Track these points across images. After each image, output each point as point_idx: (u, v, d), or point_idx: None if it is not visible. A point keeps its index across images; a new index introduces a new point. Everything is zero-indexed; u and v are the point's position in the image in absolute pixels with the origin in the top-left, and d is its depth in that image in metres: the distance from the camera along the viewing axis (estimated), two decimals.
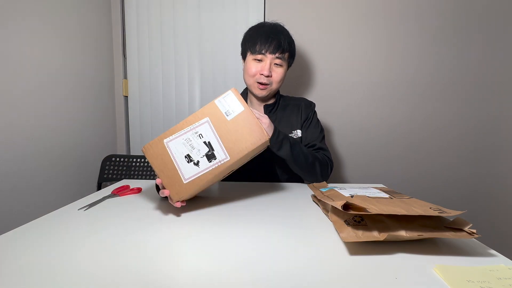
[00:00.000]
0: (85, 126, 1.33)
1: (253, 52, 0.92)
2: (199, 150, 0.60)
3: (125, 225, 0.56)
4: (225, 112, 0.60)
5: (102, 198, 0.73)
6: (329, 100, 1.46)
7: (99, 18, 1.42)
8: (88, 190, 1.31)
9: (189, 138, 0.60)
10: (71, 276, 0.38)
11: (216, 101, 0.61)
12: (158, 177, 0.61)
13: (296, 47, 1.40)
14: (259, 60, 0.91)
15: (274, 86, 0.94)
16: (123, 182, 0.87)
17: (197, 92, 1.51)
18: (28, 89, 1.02)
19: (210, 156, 0.60)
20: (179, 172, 0.60)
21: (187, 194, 0.61)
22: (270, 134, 0.76)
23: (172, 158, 0.60)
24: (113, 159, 1.34)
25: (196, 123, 0.60)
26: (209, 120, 0.60)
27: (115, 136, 1.58)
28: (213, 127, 0.60)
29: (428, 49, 1.41)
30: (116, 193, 0.76)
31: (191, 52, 1.48)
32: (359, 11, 1.41)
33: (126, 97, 1.58)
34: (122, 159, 1.35)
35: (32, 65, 1.04)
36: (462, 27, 1.39)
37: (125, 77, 1.57)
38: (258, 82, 0.92)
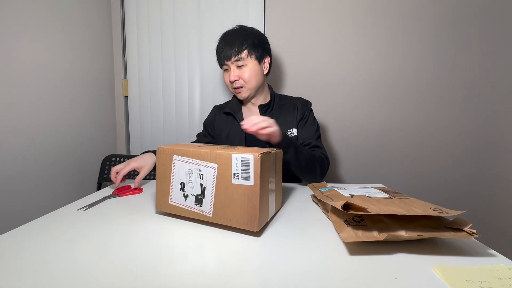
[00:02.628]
0: (85, 126, 1.33)
1: (220, 66, 1.02)
2: (193, 187, 0.57)
3: (125, 225, 0.56)
4: (234, 174, 0.52)
5: (103, 198, 0.73)
6: (328, 100, 1.46)
7: (99, 18, 1.42)
8: (88, 190, 1.31)
9: (192, 171, 0.57)
10: (71, 276, 0.38)
11: (234, 156, 0.53)
12: (155, 181, 0.62)
13: (296, 46, 1.42)
14: (227, 69, 0.99)
15: (249, 85, 0.97)
16: (123, 182, 0.87)
17: (197, 92, 1.51)
18: (28, 89, 1.02)
19: (198, 200, 0.57)
20: (170, 191, 0.61)
21: (166, 211, 0.62)
22: (278, 139, 0.76)
23: (171, 176, 0.60)
24: (113, 159, 1.34)
25: (205, 162, 0.56)
26: (216, 169, 0.55)
27: (115, 136, 1.58)
28: (215, 178, 0.55)
29: (427, 49, 1.41)
30: (116, 193, 0.76)
31: (191, 52, 1.48)
32: (359, 11, 1.41)
33: (126, 97, 1.58)
34: (122, 159, 1.35)
35: (32, 65, 1.04)
36: (461, 27, 1.39)
37: (125, 77, 1.57)
38: (234, 88, 0.99)
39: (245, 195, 0.51)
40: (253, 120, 0.69)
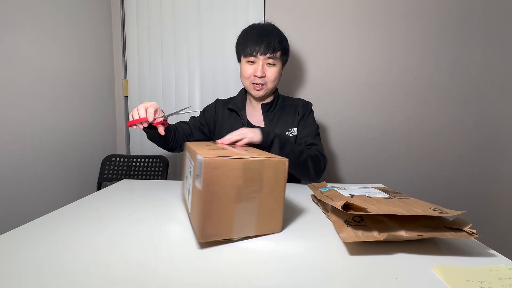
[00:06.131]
0: (85, 126, 1.33)
1: (245, 55, 0.95)
2: (187, 183, 0.59)
3: (126, 225, 0.56)
4: (197, 174, 0.49)
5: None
6: (329, 100, 1.46)
7: (99, 18, 1.42)
8: (88, 190, 1.31)
9: (189, 166, 0.58)
10: (71, 276, 0.38)
11: (198, 156, 0.49)
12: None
13: (296, 47, 1.42)
14: (252, 62, 0.94)
15: (270, 85, 0.96)
16: (124, 182, 0.87)
17: (197, 92, 1.51)
18: (28, 89, 1.02)
19: (188, 197, 0.56)
20: (184, 182, 0.65)
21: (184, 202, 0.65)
22: (259, 137, 0.79)
23: (184, 170, 0.64)
24: (113, 159, 1.34)
25: (192, 161, 0.54)
26: (193, 168, 0.52)
27: (115, 136, 1.58)
28: (193, 177, 0.52)
29: (427, 49, 1.41)
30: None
31: (191, 52, 1.48)
32: (360, 11, 1.41)
33: (126, 97, 1.58)
34: (122, 159, 1.35)
35: (32, 65, 1.04)
36: (463, 27, 1.39)
37: (125, 77, 1.57)
38: (254, 83, 0.95)
39: (197, 199, 0.48)
40: (225, 137, 0.74)
